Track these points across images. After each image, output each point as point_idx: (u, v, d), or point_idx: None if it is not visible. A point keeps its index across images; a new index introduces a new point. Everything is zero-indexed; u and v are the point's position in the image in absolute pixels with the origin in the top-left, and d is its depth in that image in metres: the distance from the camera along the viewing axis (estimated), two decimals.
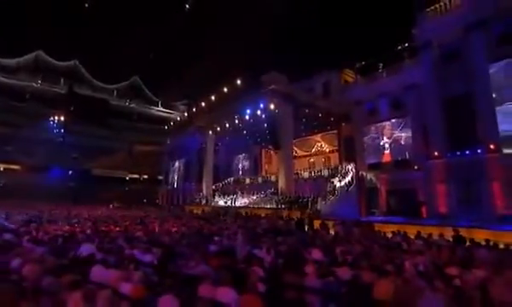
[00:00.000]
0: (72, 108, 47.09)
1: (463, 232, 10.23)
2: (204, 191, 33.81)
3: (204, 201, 32.19)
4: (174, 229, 9.74)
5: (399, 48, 24.62)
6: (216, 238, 7.98)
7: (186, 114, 30.24)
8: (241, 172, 40.77)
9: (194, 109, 27.04)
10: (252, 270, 3.91)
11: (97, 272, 4.42)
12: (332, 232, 11.56)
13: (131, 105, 66.79)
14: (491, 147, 15.25)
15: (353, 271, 4.24)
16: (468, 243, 8.23)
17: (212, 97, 24.51)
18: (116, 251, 5.26)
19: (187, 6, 48.75)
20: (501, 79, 15.26)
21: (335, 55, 41.69)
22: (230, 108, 27.22)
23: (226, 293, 3.36)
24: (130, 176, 63.34)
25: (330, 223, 13.94)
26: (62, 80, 60.14)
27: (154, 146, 57.37)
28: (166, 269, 4.95)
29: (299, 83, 27.77)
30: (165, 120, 61.22)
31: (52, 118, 46.09)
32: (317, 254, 6.06)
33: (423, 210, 18.71)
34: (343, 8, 46.26)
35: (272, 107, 23.79)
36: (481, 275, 4.08)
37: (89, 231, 8.80)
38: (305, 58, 45.72)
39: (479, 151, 15.75)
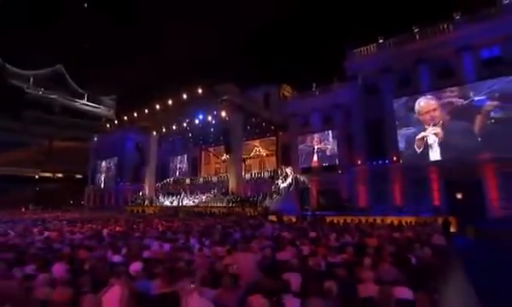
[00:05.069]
0: None
1: (379, 219, 14.94)
2: (146, 191, 33.55)
3: (147, 202, 32.02)
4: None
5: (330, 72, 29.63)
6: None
7: (136, 114, 29.60)
8: (178, 173, 41.42)
9: (146, 110, 27.14)
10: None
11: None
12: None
13: (52, 96, 58.93)
14: (394, 158, 21.27)
15: (351, 236, 7.43)
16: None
17: (169, 101, 25.40)
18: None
19: None
20: (401, 111, 21.47)
21: (276, 70, 46.49)
22: (181, 111, 28.05)
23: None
24: (42, 174, 56.09)
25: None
26: None
27: (76, 142, 52.24)
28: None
29: (243, 91, 30.26)
30: (90, 115, 56.24)
31: None
32: (312, 234, 9.14)
33: (347, 205, 23.85)
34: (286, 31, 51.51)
35: (224, 114, 26.08)
36: (410, 235, 7.79)
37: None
38: (249, 69, 48.92)
39: (386, 161, 21.68)
